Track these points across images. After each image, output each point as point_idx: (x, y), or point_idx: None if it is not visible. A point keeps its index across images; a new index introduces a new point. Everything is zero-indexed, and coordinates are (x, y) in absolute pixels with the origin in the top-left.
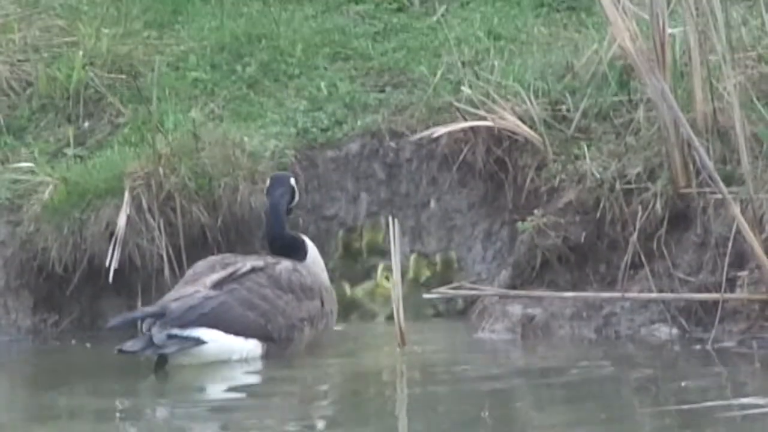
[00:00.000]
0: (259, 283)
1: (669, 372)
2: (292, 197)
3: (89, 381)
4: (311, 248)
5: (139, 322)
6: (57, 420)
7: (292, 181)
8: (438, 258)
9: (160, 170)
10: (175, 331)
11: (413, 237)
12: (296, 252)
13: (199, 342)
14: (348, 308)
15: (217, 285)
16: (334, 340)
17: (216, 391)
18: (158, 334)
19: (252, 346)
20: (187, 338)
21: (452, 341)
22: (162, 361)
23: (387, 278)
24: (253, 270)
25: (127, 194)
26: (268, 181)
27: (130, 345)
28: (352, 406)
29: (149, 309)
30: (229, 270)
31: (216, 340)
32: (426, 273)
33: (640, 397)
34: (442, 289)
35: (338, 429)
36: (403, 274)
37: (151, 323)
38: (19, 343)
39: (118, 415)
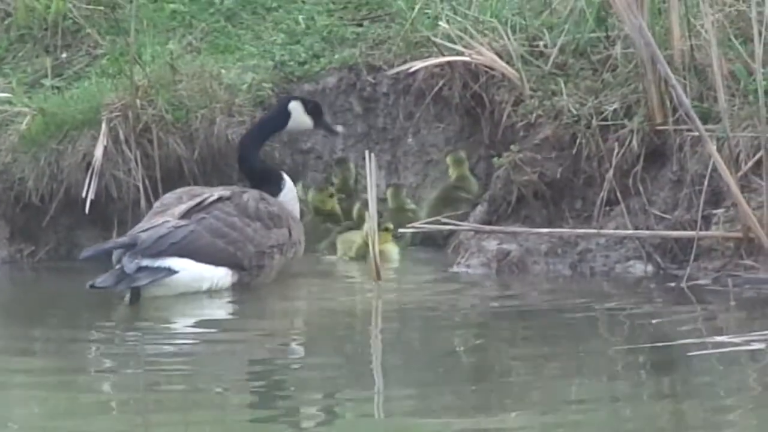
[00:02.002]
0: (227, 212)
1: (643, 309)
2: (284, 122)
3: (63, 312)
4: (287, 184)
5: (112, 255)
6: (30, 351)
7: (291, 104)
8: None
9: (138, 102)
10: (146, 262)
11: (389, 171)
12: (271, 185)
13: (170, 272)
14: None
15: (186, 215)
16: (307, 273)
17: (186, 324)
18: (129, 264)
19: (222, 274)
20: (158, 269)
21: (427, 276)
22: (135, 295)
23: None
24: (220, 199)
25: (104, 125)
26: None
27: (102, 280)
28: (324, 340)
29: (120, 240)
30: (197, 200)
31: (187, 269)
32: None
33: (614, 334)
34: (418, 224)
35: (310, 363)
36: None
37: (122, 254)
38: None
39: (91, 347)
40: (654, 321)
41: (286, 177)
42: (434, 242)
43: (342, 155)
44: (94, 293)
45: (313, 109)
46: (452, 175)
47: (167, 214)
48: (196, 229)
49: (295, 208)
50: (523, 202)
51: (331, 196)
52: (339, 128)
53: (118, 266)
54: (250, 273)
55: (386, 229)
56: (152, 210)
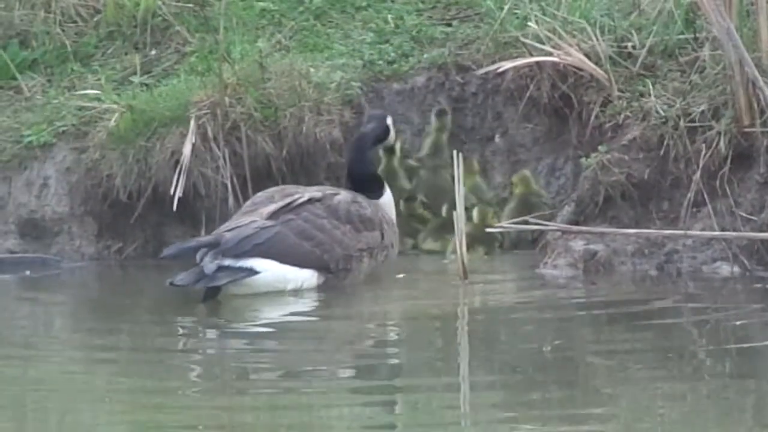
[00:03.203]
0: (316, 214)
1: (729, 310)
2: (385, 135)
3: (149, 308)
4: (387, 192)
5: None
6: (117, 351)
7: (389, 120)
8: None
9: (226, 100)
10: (228, 262)
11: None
12: (372, 190)
13: (252, 272)
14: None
15: (274, 215)
16: (395, 273)
17: (270, 321)
18: (209, 264)
19: (308, 276)
20: (239, 269)
21: (515, 275)
22: (212, 293)
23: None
24: (310, 201)
25: (192, 123)
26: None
27: (181, 278)
28: (410, 341)
29: (204, 239)
30: (287, 200)
31: (270, 270)
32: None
33: (700, 333)
34: (506, 224)
35: (397, 362)
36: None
37: (205, 253)
38: (83, 269)
39: (173, 346)
40: (739, 322)
41: (386, 188)
42: (523, 242)
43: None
44: (180, 290)
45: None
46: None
47: (256, 213)
48: (282, 231)
49: (390, 212)
50: (611, 202)
51: (418, 205)
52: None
53: (200, 265)
54: (336, 275)
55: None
56: (242, 208)
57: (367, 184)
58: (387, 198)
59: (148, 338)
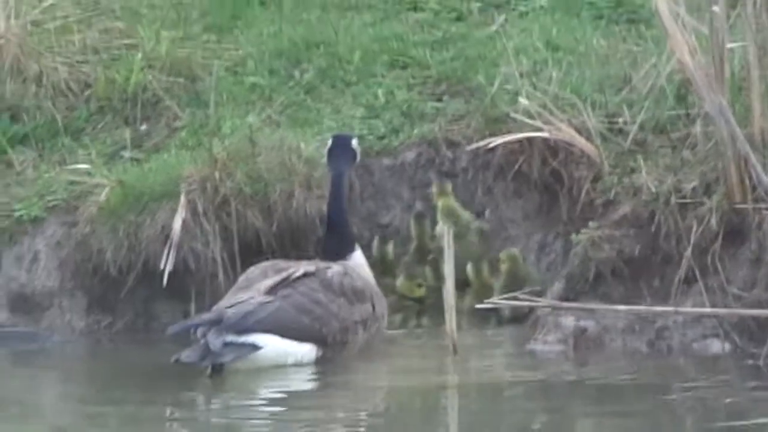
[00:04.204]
0: (312, 288)
1: (720, 388)
2: (354, 160)
3: (142, 385)
4: (358, 251)
5: (193, 329)
6: (107, 426)
7: (354, 142)
8: (503, 257)
9: (217, 174)
10: (231, 338)
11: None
12: (346, 244)
13: (255, 348)
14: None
15: (271, 290)
16: (388, 346)
17: (270, 398)
18: (215, 341)
19: (307, 350)
20: (243, 345)
21: (505, 351)
22: (218, 369)
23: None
24: (305, 275)
25: (182, 198)
26: (329, 142)
27: (186, 355)
28: (402, 416)
29: (206, 316)
30: (282, 275)
31: (272, 345)
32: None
33: (692, 413)
34: (496, 300)
35: None
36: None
37: (206, 330)
38: (73, 344)
39: (169, 422)
40: (730, 400)
41: (356, 246)
42: (513, 317)
43: (420, 210)
44: (173, 366)
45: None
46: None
47: (252, 289)
48: (282, 305)
49: (368, 273)
50: (601, 279)
51: (420, 286)
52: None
53: (202, 341)
54: (333, 348)
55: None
56: (237, 284)
57: (342, 237)
58: (360, 255)
59: (139, 413)
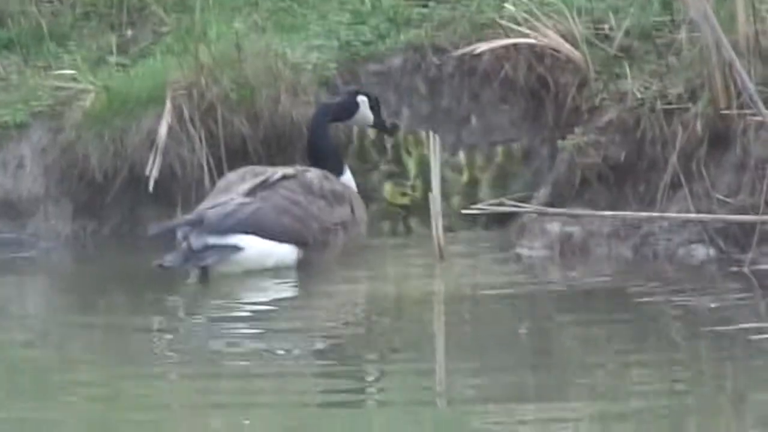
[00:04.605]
0: (292, 189)
1: (705, 293)
2: (350, 113)
3: (127, 292)
4: (347, 176)
5: (178, 232)
6: (93, 331)
7: (360, 98)
8: (500, 150)
9: (202, 80)
10: (213, 240)
11: (454, 152)
12: (332, 167)
13: (237, 249)
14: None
15: (251, 192)
16: (373, 253)
17: (250, 304)
18: (197, 242)
19: (287, 251)
20: (225, 246)
21: (491, 257)
22: (204, 273)
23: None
24: (284, 177)
25: (168, 103)
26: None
27: (170, 260)
28: (385, 322)
29: (187, 218)
30: (261, 178)
31: (253, 246)
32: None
33: (675, 318)
34: (482, 205)
35: (372, 346)
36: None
37: (188, 232)
38: (59, 250)
39: (154, 332)
40: (715, 305)
41: (347, 169)
42: (497, 222)
43: (395, 121)
44: (159, 272)
45: (374, 105)
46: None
47: (232, 191)
48: (262, 206)
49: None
50: (587, 184)
51: (404, 194)
52: (394, 122)
53: (184, 244)
54: (314, 250)
55: None
56: (216, 188)
57: (325, 159)
58: (348, 177)
59: (125, 317)
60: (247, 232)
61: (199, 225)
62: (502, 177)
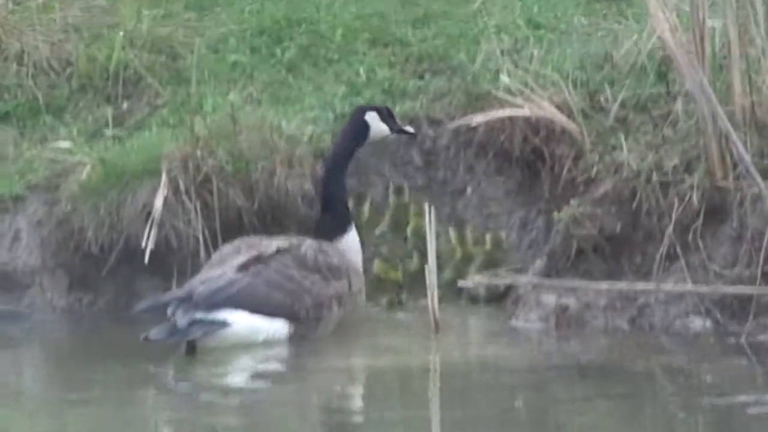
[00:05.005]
0: (285, 264)
1: (702, 365)
2: (364, 136)
3: (123, 364)
4: (353, 232)
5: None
6: (86, 404)
7: (369, 116)
8: (488, 238)
9: (198, 152)
10: (200, 315)
11: (449, 223)
12: (338, 225)
13: (224, 324)
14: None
15: (243, 267)
16: (365, 325)
17: (241, 379)
18: (182, 319)
19: (279, 326)
20: (212, 321)
21: (486, 329)
22: (191, 347)
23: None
24: (278, 251)
25: (164, 176)
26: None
27: (155, 333)
28: (380, 396)
29: (176, 293)
30: (254, 252)
31: (242, 321)
32: (473, 252)
33: (673, 391)
34: (477, 277)
35: (367, 418)
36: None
37: (176, 307)
38: (54, 322)
39: (145, 400)
40: (712, 378)
41: (353, 226)
42: (494, 296)
43: (399, 185)
44: (154, 345)
45: (386, 115)
46: None
47: (225, 265)
48: (253, 282)
49: (356, 259)
50: (583, 256)
51: (395, 268)
52: (409, 129)
53: (171, 318)
54: (307, 325)
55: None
56: (210, 261)
57: (335, 210)
58: (352, 238)
59: (120, 391)
60: (236, 308)
61: (188, 300)
62: (493, 259)
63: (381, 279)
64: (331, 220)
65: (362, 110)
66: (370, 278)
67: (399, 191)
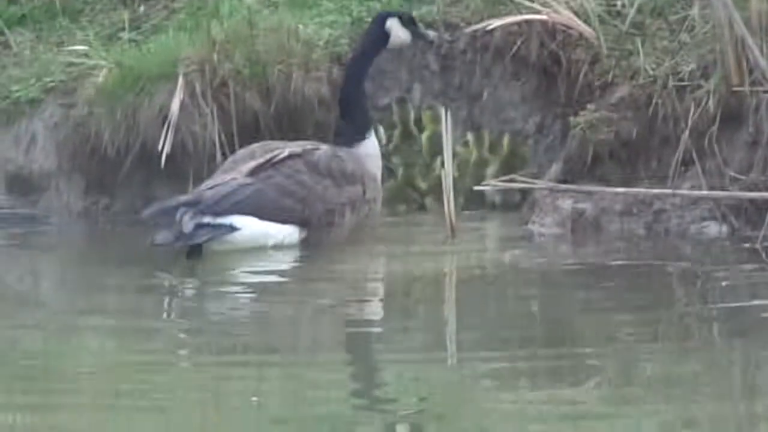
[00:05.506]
0: (297, 169)
1: (717, 270)
2: (384, 42)
3: (139, 269)
4: (372, 138)
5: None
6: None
7: (389, 23)
8: (505, 142)
9: (215, 56)
10: (207, 220)
11: (465, 128)
12: (355, 131)
13: (232, 229)
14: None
15: (254, 172)
16: (380, 229)
17: (248, 286)
18: (188, 222)
19: (289, 231)
20: (219, 226)
21: (503, 234)
22: (195, 251)
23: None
24: (290, 156)
25: (180, 79)
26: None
27: (161, 237)
28: (396, 301)
29: (184, 198)
30: (267, 157)
31: (250, 226)
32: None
33: (688, 296)
34: (493, 181)
35: (381, 325)
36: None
37: (185, 212)
38: (71, 226)
39: (156, 302)
40: (727, 282)
41: (373, 132)
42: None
43: (402, 95)
44: (168, 249)
45: (408, 21)
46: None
47: (236, 170)
48: (262, 187)
49: (374, 165)
50: (599, 161)
51: (417, 176)
52: (432, 34)
53: (179, 223)
54: (319, 230)
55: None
56: (223, 166)
57: (353, 115)
58: (372, 144)
59: (132, 299)
60: (244, 213)
61: (196, 205)
62: (510, 164)
63: (403, 186)
64: (350, 125)
65: (383, 17)
66: (392, 186)
67: (402, 101)
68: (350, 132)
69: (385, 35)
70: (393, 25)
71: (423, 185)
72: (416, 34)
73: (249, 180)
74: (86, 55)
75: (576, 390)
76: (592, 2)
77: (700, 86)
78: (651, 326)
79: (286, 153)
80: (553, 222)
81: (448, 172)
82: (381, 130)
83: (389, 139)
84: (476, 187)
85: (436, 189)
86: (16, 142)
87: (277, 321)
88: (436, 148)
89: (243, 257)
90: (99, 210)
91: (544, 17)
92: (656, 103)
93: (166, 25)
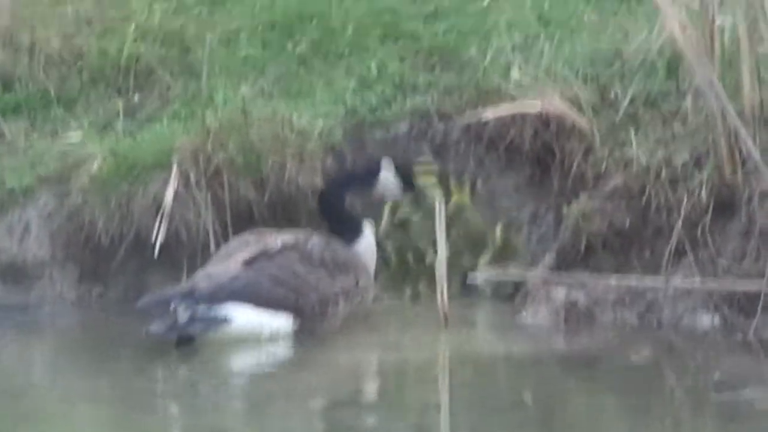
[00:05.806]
0: (290, 260)
1: (710, 362)
2: (370, 181)
3: (132, 357)
4: (367, 234)
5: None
6: (100, 401)
7: (384, 162)
8: (498, 233)
9: (209, 145)
10: (201, 310)
11: None
12: (349, 231)
13: (226, 320)
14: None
15: (248, 263)
16: (374, 319)
17: (243, 375)
18: (183, 313)
19: (282, 321)
20: (214, 317)
21: (495, 323)
22: (185, 341)
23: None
24: (284, 247)
25: (175, 168)
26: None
27: (156, 327)
28: (388, 391)
29: (179, 288)
30: (260, 247)
31: (243, 317)
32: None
33: (680, 387)
34: (486, 272)
35: (373, 415)
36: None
37: (179, 302)
38: (64, 315)
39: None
40: (720, 374)
41: (367, 227)
42: (502, 292)
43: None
44: (147, 338)
45: (405, 174)
46: None
47: (231, 260)
48: (257, 277)
49: (369, 257)
50: (592, 251)
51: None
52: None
53: (174, 313)
54: (312, 320)
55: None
56: (216, 255)
57: (340, 224)
58: (366, 243)
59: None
60: (238, 303)
61: (190, 296)
62: (503, 253)
63: (397, 272)
64: (341, 228)
65: (379, 164)
66: (385, 274)
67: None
68: (344, 233)
69: (375, 175)
70: (387, 177)
71: (416, 272)
72: (405, 188)
73: (243, 270)
74: (80, 144)
75: None
76: (586, 92)
77: (692, 176)
78: (644, 418)
79: (279, 244)
80: (546, 312)
81: (441, 260)
82: (372, 222)
83: (382, 226)
84: (470, 278)
85: (430, 276)
86: (9, 231)
87: (267, 414)
88: (429, 235)
89: (236, 347)
90: (92, 299)
91: (537, 107)
92: (649, 193)
93: (161, 114)
